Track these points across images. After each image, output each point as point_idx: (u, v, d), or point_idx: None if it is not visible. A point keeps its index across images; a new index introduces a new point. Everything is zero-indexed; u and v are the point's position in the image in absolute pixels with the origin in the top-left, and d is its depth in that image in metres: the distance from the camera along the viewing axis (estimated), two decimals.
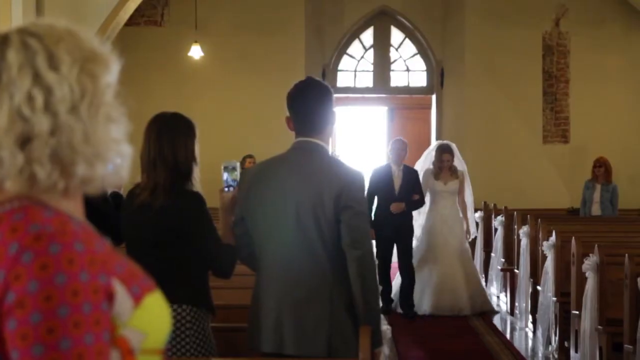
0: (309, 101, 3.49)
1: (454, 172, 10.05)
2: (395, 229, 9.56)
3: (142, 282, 1.48)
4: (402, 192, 9.62)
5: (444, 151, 9.99)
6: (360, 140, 18.89)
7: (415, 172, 9.92)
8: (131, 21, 13.14)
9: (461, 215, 10.10)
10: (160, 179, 3.44)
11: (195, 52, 13.13)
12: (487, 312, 9.91)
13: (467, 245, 10.27)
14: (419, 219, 10.18)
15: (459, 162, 10.26)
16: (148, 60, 13.81)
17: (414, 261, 9.82)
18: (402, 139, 10.04)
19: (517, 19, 13.93)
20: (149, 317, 1.46)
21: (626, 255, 5.96)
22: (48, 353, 1.29)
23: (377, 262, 9.34)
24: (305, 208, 3.35)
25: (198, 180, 3.52)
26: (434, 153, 10.15)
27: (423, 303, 9.72)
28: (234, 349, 4.05)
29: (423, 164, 10.44)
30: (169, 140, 3.46)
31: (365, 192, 9.23)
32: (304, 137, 3.51)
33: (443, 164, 9.96)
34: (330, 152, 3.57)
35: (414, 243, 9.99)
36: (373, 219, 9.51)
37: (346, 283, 3.33)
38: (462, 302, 9.71)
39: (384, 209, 9.61)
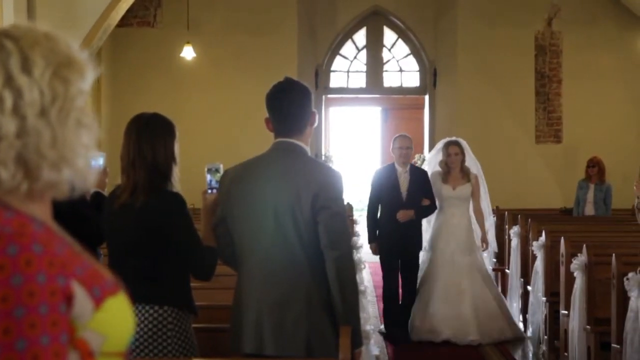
0: (288, 102, 3.50)
1: (465, 174, 8.61)
2: (402, 241, 8.23)
3: (105, 284, 1.48)
4: (410, 197, 8.28)
5: (451, 143, 8.64)
6: (354, 141, 18.92)
7: (425, 172, 8.63)
8: (124, 22, 13.17)
9: (474, 225, 8.66)
10: (140, 179, 3.45)
11: (188, 52, 13.14)
12: (508, 341, 8.33)
13: (482, 260, 8.70)
14: (426, 228, 8.81)
15: (472, 164, 8.86)
16: (141, 61, 13.83)
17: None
18: (407, 135, 8.64)
19: (509, 19, 13.95)
20: (110, 320, 1.46)
21: (613, 255, 5.96)
22: (3, 353, 1.30)
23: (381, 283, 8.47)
24: (284, 209, 3.36)
25: (178, 181, 3.53)
26: (441, 154, 8.75)
27: (422, 328, 8.35)
28: (218, 349, 4.05)
29: (429, 166, 9.08)
30: (148, 140, 3.47)
31: (368, 198, 8.40)
32: (283, 137, 3.53)
33: (451, 158, 8.51)
34: (309, 153, 3.56)
35: (420, 258, 8.62)
36: (378, 230, 8.39)
37: (325, 283, 3.34)
38: (469, 328, 8.24)
39: (389, 218, 8.27)
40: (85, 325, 1.42)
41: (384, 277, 8.50)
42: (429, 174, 8.67)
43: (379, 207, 8.45)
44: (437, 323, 8.29)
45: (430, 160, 9.28)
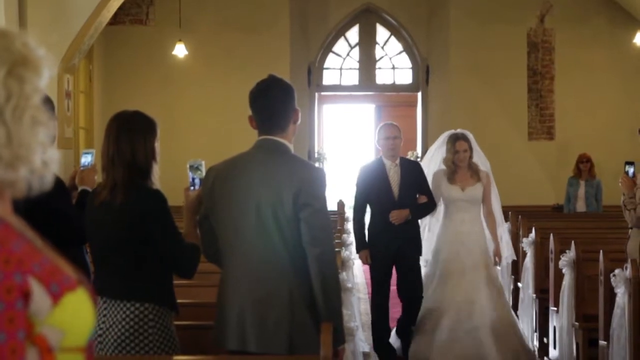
0: (271, 100, 3.51)
1: (474, 172, 7.32)
2: (398, 247, 7.07)
3: (63, 280, 1.48)
4: (402, 194, 7.09)
5: (458, 138, 7.30)
6: (348, 139, 18.92)
7: (418, 164, 7.49)
8: (116, 20, 13.20)
9: (487, 232, 7.39)
10: (119, 177, 3.45)
11: (180, 50, 13.14)
12: None
13: (496, 273, 7.47)
14: (429, 237, 7.57)
15: (480, 160, 7.56)
16: (133, 59, 13.84)
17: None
18: (394, 123, 7.39)
19: (501, 16, 13.96)
20: (69, 316, 1.45)
21: (600, 251, 5.97)
22: None
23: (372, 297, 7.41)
24: (266, 206, 3.37)
25: (157, 178, 3.53)
26: (444, 148, 7.42)
27: (432, 353, 7.05)
28: (204, 346, 4.05)
29: (429, 164, 7.73)
30: (127, 138, 3.47)
31: (353, 200, 7.12)
32: (266, 135, 3.53)
33: (459, 156, 7.21)
34: (292, 150, 3.57)
35: (422, 269, 7.44)
36: (367, 235, 7.23)
37: (308, 281, 3.35)
38: (486, 351, 6.95)
39: (380, 220, 7.12)
40: (44, 321, 1.42)
41: (373, 292, 7.34)
42: (431, 173, 7.46)
43: (368, 209, 7.31)
44: (451, 349, 7.00)
45: (432, 156, 7.81)
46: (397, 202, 7.10)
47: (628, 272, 5.35)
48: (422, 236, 7.47)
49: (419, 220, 7.42)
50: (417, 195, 7.23)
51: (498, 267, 7.66)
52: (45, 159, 1.48)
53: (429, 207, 7.21)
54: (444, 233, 7.34)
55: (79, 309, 1.48)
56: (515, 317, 7.70)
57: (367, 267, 7.62)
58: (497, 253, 7.35)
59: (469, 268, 7.15)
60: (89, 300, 1.53)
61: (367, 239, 7.23)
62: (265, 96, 3.52)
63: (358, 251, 7.34)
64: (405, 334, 7.35)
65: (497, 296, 7.25)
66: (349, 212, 10.03)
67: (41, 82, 1.50)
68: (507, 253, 7.79)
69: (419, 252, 7.28)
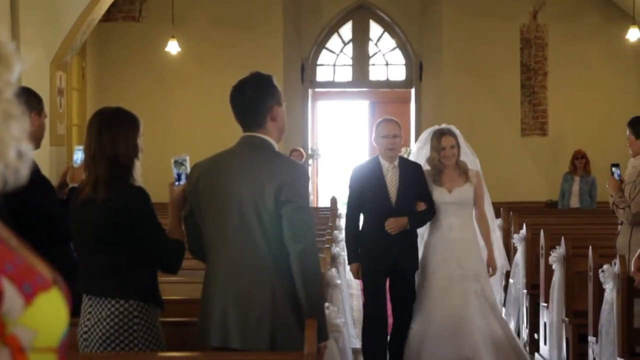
0: (244, 98, 3.57)
1: (462, 172, 6.48)
2: (392, 259, 6.23)
3: (37, 280, 1.48)
4: (401, 200, 6.24)
5: (443, 133, 6.47)
6: (342, 135, 18.93)
7: (419, 167, 6.49)
8: (109, 17, 13.20)
9: (480, 238, 6.53)
10: (101, 173, 3.45)
11: (172, 47, 13.13)
12: None
13: (490, 286, 6.51)
14: (421, 246, 6.57)
15: (467, 158, 6.74)
16: (126, 56, 13.84)
17: None
18: (394, 119, 6.54)
19: (494, 12, 13.98)
20: (41, 316, 1.46)
21: (590, 247, 5.99)
22: None
23: (366, 310, 6.51)
24: (248, 203, 3.38)
25: (140, 175, 3.53)
26: (428, 146, 6.59)
27: None
28: (190, 343, 4.06)
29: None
30: (109, 134, 3.47)
31: (346, 204, 6.27)
32: (249, 132, 3.55)
33: (446, 152, 6.38)
34: (276, 147, 3.57)
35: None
36: (360, 246, 6.36)
37: (290, 277, 3.36)
38: None
39: (374, 229, 6.25)
40: (16, 321, 1.42)
41: (367, 306, 6.54)
42: None
43: (362, 216, 6.45)
44: None
45: (416, 156, 6.90)
46: (395, 209, 6.24)
47: (617, 268, 5.37)
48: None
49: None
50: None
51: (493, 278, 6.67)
52: (19, 153, 1.48)
53: (428, 216, 6.39)
54: (431, 240, 6.49)
55: (52, 309, 1.48)
56: (513, 332, 6.89)
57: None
58: (491, 262, 6.46)
59: (457, 279, 6.32)
60: (62, 300, 1.53)
61: (359, 250, 6.38)
62: (239, 94, 3.58)
63: (349, 263, 6.54)
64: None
65: (490, 310, 6.37)
66: (342, 209, 9.97)
67: (12, 76, 1.50)
68: (501, 262, 6.97)
69: (414, 268, 6.42)
